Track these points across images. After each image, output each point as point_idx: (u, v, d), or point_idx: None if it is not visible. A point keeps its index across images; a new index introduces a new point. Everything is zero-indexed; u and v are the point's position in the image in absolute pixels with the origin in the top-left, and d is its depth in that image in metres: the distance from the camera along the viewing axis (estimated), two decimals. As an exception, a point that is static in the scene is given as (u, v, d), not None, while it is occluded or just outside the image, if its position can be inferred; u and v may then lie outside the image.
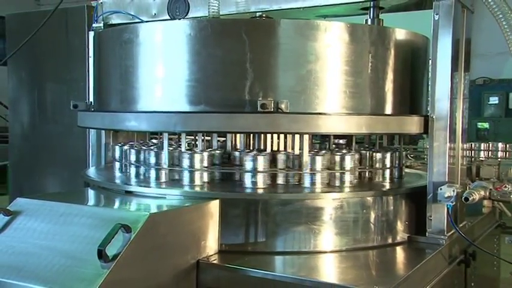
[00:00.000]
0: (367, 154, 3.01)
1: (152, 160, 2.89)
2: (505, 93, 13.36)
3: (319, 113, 2.65)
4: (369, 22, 3.23)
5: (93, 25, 3.73)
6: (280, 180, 2.79)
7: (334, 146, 3.41)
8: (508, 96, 13.24)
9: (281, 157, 2.82)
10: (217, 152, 3.02)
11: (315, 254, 2.58)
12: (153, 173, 2.88)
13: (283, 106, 2.54)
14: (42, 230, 2.34)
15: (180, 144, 2.97)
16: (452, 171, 2.82)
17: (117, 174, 3.20)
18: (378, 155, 2.99)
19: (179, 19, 3.13)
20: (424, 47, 3.11)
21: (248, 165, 2.70)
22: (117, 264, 2.05)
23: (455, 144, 2.88)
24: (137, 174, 3.02)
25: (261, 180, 2.69)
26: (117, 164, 3.25)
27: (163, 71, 2.81)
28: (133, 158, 3.04)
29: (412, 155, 4.49)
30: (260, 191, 2.67)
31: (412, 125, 2.87)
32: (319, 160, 2.73)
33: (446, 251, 2.79)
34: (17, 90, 4.44)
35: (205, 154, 2.83)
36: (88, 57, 3.88)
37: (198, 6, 3.23)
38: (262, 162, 2.70)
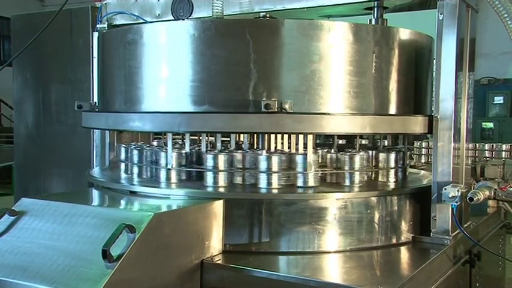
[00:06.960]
0: (372, 154, 3.01)
1: (156, 160, 2.89)
2: (509, 92, 13.33)
3: (323, 113, 2.64)
4: (373, 22, 3.22)
5: (97, 26, 3.74)
6: (283, 180, 2.78)
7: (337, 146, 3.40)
8: (513, 96, 13.23)
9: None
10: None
11: (319, 254, 2.58)
12: (156, 173, 2.88)
13: (287, 106, 2.54)
14: (47, 230, 2.35)
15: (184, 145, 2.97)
16: (456, 171, 2.81)
17: (122, 174, 3.21)
18: (382, 155, 2.98)
19: (183, 19, 3.13)
20: (429, 46, 3.10)
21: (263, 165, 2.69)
22: (122, 264, 2.06)
23: (460, 144, 2.87)
24: (141, 175, 3.03)
25: (265, 181, 2.69)
26: (122, 164, 3.26)
27: (167, 72, 2.81)
28: (137, 158, 3.04)
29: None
30: (264, 191, 2.67)
31: (417, 125, 2.87)
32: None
33: (451, 251, 2.78)
34: (22, 91, 4.45)
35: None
36: (92, 57, 3.88)
37: (201, 7, 3.23)
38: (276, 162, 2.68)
